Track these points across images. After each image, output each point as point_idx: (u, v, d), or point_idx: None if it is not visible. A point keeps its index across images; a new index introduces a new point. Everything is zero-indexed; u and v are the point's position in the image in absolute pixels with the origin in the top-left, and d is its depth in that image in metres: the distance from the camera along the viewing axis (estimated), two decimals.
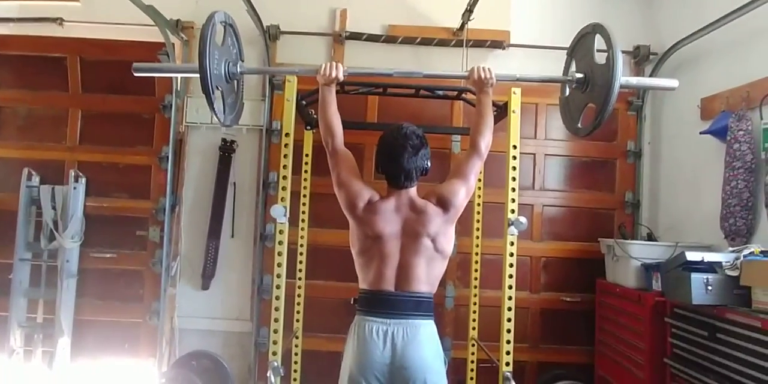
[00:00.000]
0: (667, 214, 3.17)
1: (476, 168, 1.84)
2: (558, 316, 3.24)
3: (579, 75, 1.90)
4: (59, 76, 3.17)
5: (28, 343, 3.09)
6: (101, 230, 3.16)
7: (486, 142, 1.84)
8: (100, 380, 3.12)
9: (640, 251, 2.72)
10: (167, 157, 3.07)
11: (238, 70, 1.88)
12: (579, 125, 1.98)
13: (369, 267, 1.74)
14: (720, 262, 2.14)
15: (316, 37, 3.26)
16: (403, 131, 1.76)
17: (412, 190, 1.78)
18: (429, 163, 1.79)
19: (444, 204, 1.74)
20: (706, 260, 2.16)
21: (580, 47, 1.98)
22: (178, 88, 3.09)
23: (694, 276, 2.11)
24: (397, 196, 1.77)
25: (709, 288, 2.09)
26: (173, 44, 3.00)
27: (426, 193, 1.79)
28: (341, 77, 1.85)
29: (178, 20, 3.08)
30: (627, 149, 3.33)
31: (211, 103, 1.72)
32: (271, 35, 3.17)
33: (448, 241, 1.77)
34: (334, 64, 1.84)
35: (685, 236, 2.86)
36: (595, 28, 1.82)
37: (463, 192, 1.78)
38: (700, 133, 2.70)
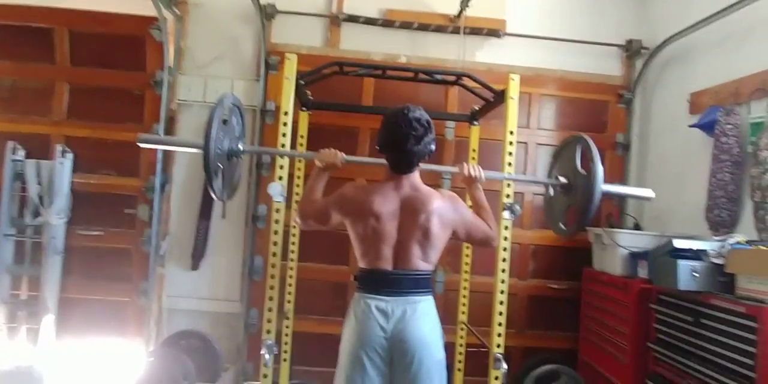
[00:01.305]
0: (653, 205, 3.23)
1: (482, 235, 1.88)
2: (545, 303, 3.31)
3: (563, 180, 2.05)
4: (46, 47, 3.07)
5: (11, 320, 3.03)
6: (88, 207, 3.10)
7: (493, 231, 1.90)
8: (85, 358, 3.08)
9: (628, 240, 2.78)
10: (158, 135, 3.00)
11: (240, 148, 1.92)
12: (562, 226, 2.11)
13: (367, 246, 1.75)
14: (706, 250, 2.20)
15: (313, 18, 3.22)
16: (407, 118, 1.70)
17: (414, 175, 1.79)
18: (433, 147, 1.77)
19: (453, 201, 1.80)
20: (693, 248, 2.22)
21: (564, 153, 2.12)
22: (170, 65, 3.02)
23: (682, 263, 2.17)
24: (397, 180, 1.78)
25: (695, 274, 2.16)
26: (165, 19, 2.92)
27: (440, 190, 1.84)
28: (339, 165, 1.89)
29: None
30: (616, 141, 3.39)
31: (211, 182, 1.76)
32: (267, 14, 3.12)
33: (443, 231, 1.78)
34: (334, 152, 1.88)
35: (670, 226, 2.94)
36: (579, 141, 1.97)
37: (470, 218, 1.85)
38: (689, 126, 2.77)
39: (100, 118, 3.11)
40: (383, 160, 1.81)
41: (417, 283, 1.74)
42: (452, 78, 2.67)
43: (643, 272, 2.63)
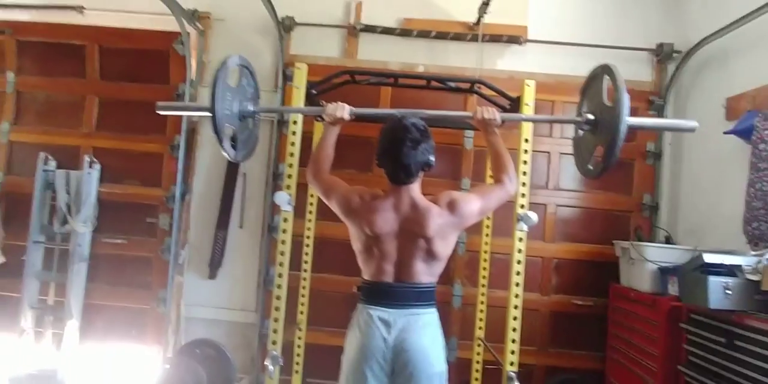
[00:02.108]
0: (687, 218, 3.05)
1: (498, 196, 1.77)
2: (569, 320, 3.14)
3: (590, 116, 1.82)
4: (78, 63, 3.24)
5: (38, 325, 3.14)
6: (113, 216, 3.20)
7: (510, 177, 1.77)
8: (106, 364, 3.15)
9: (657, 254, 2.62)
10: (179, 146, 3.09)
11: (251, 109, 1.90)
12: (590, 166, 1.90)
13: (370, 262, 1.74)
14: (740, 266, 2.04)
15: (331, 29, 3.25)
16: (403, 123, 1.67)
17: (414, 188, 1.71)
18: (432, 158, 1.70)
19: (453, 207, 1.69)
20: (725, 263, 2.05)
21: (590, 87, 1.92)
22: (193, 78, 3.11)
23: (712, 279, 2.01)
24: (396, 194, 1.71)
25: (728, 292, 1.99)
26: (188, 34, 3.02)
27: (439, 195, 1.74)
28: (347, 118, 1.85)
29: (194, 10, 3.10)
30: (646, 150, 3.22)
31: (220, 141, 1.75)
32: (285, 26, 3.17)
33: (447, 245, 1.72)
34: (340, 105, 1.84)
35: (706, 240, 2.74)
36: (604, 70, 1.76)
37: (477, 206, 1.72)
38: (725, 132, 2.59)
39: (126, 130, 3.24)
40: (394, 111, 1.80)
41: (419, 296, 1.71)
42: (466, 85, 2.61)
43: (673, 289, 2.46)
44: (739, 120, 2.53)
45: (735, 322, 1.98)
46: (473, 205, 1.71)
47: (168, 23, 3.00)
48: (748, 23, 2.53)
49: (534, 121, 1.99)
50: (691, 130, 1.85)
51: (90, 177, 3.12)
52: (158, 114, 3.16)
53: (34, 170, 3.10)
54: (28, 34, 3.23)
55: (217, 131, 1.71)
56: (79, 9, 3.20)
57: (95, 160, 3.16)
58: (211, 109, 1.68)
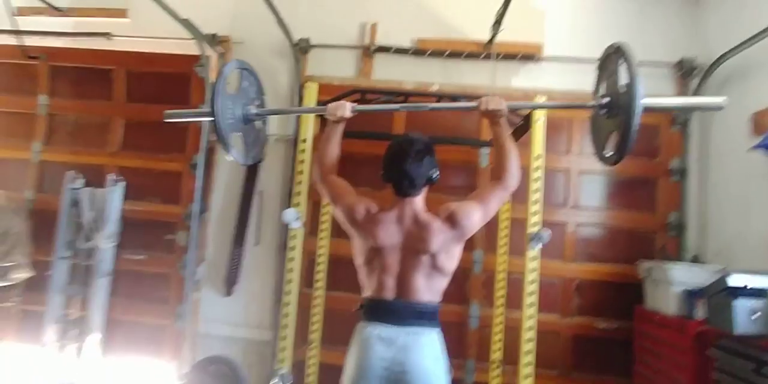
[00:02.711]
0: (716, 237, 2.90)
1: (498, 196, 1.73)
2: (592, 344, 3.01)
3: (605, 99, 1.70)
4: (105, 86, 3.39)
5: (62, 338, 3.22)
6: (134, 232, 3.29)
7: (510, 172, 1.72)
8: (124, 377, 3.18)
9: (683, 275, 2.50)
10: (198, 165, 3.17)
11: (254, 112, 1.94)
12: (606, 153, 1.79)
13: (371, 277, 1.74)
14: (766, 289, 1.91)
15: (346, 50, 3.31)
16: (407, 138, 1.75)
17: (417, 202, 1.73)
18: (436, 173, 1.74)
19: (453, 221, 1.67)
20: (750, 285, 1.94)
21: (604, 69, 1.82)
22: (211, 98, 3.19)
23: (737, 302, 1.91)
24: (400, 207, 1.72)
25: (755, 316, 1.87)
26: (208, 57, 3.13)
27: (439, 208, 1.72)
28: (348, 115, 1.86)
29: (214, 34, 3.21)
30: (670, 167, 3.11)
31: (227, 148, 1.79)
32: (301, 48, 3.25)
33: (450, 259, 1.71)
34: (342, 103, 1.86)
35: (737, 260, 2.61)
36: (617, 50, 1.65)
37: (478, 215, 1.69)
38: (751, 148, 2.48)
39: (149, 150, 3.35)
40: (396, 106, 1.86)
41: (421, 315, 1.68)
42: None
43: (701, 313, 2.34)
44: (766, 135, 2.42)
45: (764, 347, 1.85)
46: (474, 216, 1.68)
47: (190, 47, 3.13)
48: None
49: (545, 107, 1.92)
50: (718, 107, 1.70)
51: (114, 194, 3.23)
52: (179, 134, 3.35)
53: (62, 188, 3.23)
54: (61, 59, 3.42)
55: (222, 141, 1.75)
56: (108, 36, 3.37)
57: (119, 178, 3.27)
58: (215, 121, 1.71)
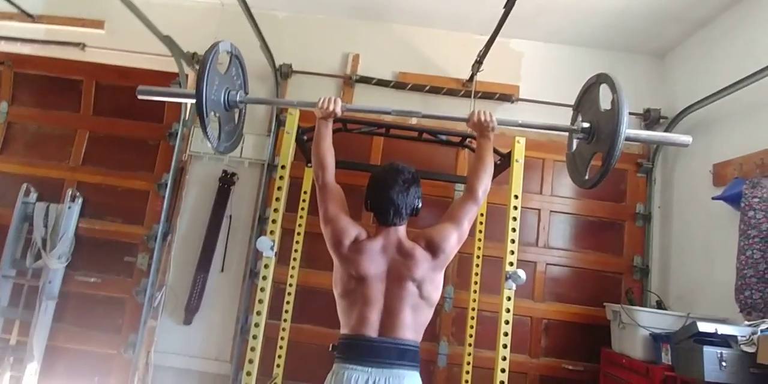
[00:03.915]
0: (677, 283, 2.99)
1: (471, 213, 1.72)
2: None
3: (585, 124, 1.84)
4: (73, 97, 3.24)
5: None
6: (89, 253, 3.09)
7: (484, 187, 1.75)
8: None
9: (649, 319, 2.54)
10: (166, 184, 3.04)
11: (238, 98, 1.87)
12: (586, 177, 1.89)
13: (351, 310, 1.62)
14: (735, 336, 1.96)
15: (327, 79, 3.31)
16: (395, 166, 1.72)
17: (401, 230, 1.68)
18: (420, 203, 1.71)
19: (433, 249, 1.63)
20: (719, 332, 1.98)
21: (585, 100, 1.95)
22: (186, 117, 3.11)
23: (707, 349, 1.94)
24: (385, 235, 1.67)
25: (724, 364, 1.91)
26: (186, 75, 3.06)
27: (415, 235, 1.69)
28: (339, 112, 1.80)
29: (194, 53, 3.15)
30: (636, 212, 3.22)
31: (204, 127, 1.69)
32: (282, 73, 3.23)
33: (435, 288, 1.65)
34: (332, 98, 1.81)
35: (697, 307, 2.68)
36: (600, 78, 1.80)
37: (455, 237, 1.67)
38: (713, 198, 2.60)
39: (114, 166, 3.20)
40: (388, 107, 1.83)
41: (403, 355, 1.57)
42: (457, 139, 2.63)
43: (666, 358, 2.36)
44: (727, 186, 2.55)
45: None
46: (451, 239, 1.66)
47: (167, 64, 3.05)
48: (733, 93, 2.60)
49: (530, 127, 2.00)
50: (684, 144, 1.82)
51: (70, 211, 3.04)
52: (148, 151, 3.21)
53: (15, 202, 3.02)
54: (27, 66, 3.26)
55: (201, 114, 1.64)
56: (82, 46, 3.25)
57: (78, 194, 3.09)
58: (198, 91, 1.62)
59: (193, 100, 1.65)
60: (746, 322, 2.14)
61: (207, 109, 1.66)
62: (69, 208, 3.03)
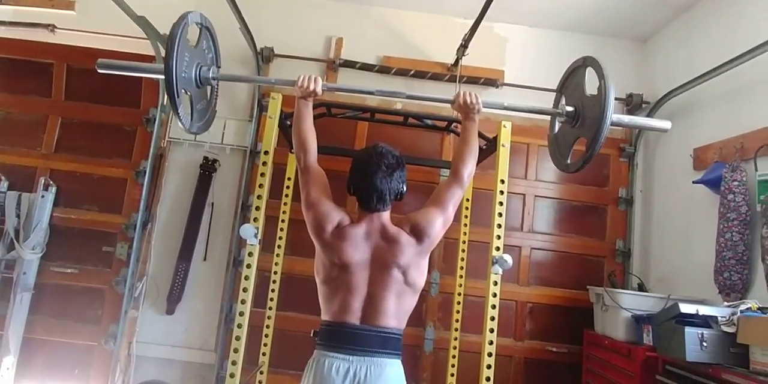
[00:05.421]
0: (658, 265, 3.05)
1: (456, 197, 1.70)
2: (543, 367, 3.05)
3: (569, 108, 1.83)
4: (44, 81, 3.09)
5: None
6: (65, 243, 2.99)
7: (468, 170, 1.73)
8: None
9: (631, 302, 2.58)
10: (145, 172, 2.95)
11: (210, 75, 1.78)
12: (568, 161, 1.90)
13: (334, 297, 1.59)
14: (715, 317, 2.01)
15: (310, 62, 3.23)
16: (378, 150, 1.64)
17: (385, 216, 1.64)
18: (404, 187, 1.66)
19: (418, 234, 1.60)
20: (700, 313, 2.02)
21: (570, 82, 1.94)
22: (164, 102, 3.01)
23: (689, 330, 1.97)
24: (368, 220, 1.62)
25: (704, 344, 1.95)
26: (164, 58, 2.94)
27: (399, 220, 1.65)
28: (319, 91, 1.75)
29: None
30: (618, 196, 3.26)
31: (175, 106, 1.60)
32: (264, 57, 3.15)
33: (421, 274, 1.63)
34: (312, 76, 1.75)
35: (678, 289, 2.73)
36: (586, 61, 1.78)
37: (440, 222, 1.64)
38: (693, 182, 2.64)
39: (89, 153, 3.08)
40: (371, 87, 1.81)
41: (385, 344, 1.55)
42: (443, 124, 2.60)
43: (648, 338, 2.41)
44: (707, 170, 2.59)
45: (711, 375, 1.93)
46: (436, 223, 1.63)
47: (143, 47, 2.93)
48: (713, 78, 2.62)
49: (515, 109, 1.99)
50: (664, 130, 1.88)
51: (44, 200, 2.93)
52: (125, 137, 3.11)
53: None
54: None
55: (171, 93, 1.55)
56: (52, 27, 3.10)
57: (52, 182, 2.98)
58: (167, 67, 1.52)
59: (161, 76, 1.56)
60: (725, 303, 2.19)
61: (178, 87, 1.58)
62: (42, 197, 2.92)
